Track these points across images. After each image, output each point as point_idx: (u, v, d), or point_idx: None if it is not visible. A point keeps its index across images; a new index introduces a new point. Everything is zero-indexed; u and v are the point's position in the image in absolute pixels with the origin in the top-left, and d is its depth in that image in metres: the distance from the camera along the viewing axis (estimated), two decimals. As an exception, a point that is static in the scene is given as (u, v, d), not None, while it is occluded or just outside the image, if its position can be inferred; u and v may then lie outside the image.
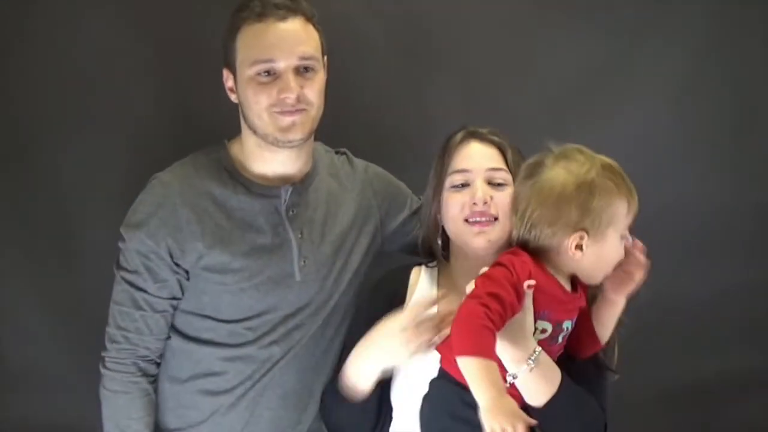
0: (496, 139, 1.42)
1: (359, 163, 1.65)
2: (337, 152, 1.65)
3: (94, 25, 1.78)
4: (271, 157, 1.47)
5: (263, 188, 1.47)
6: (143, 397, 1.46)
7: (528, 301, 1.21)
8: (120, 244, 1.45)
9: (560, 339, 1.28)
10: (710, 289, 2.16)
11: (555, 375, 1.24)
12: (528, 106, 1.99)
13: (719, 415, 2.23)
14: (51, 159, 1.82)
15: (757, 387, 2.25)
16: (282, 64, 1.36)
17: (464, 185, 1.39)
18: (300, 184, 1.49)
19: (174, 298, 1.46)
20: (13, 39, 1.76)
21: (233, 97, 1.46)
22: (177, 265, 1.42)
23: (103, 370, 1.47)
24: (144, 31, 1.81)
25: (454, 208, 1.39)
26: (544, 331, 1.23)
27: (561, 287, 1.25)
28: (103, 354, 1.48)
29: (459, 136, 1.43)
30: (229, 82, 1.46)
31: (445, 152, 1.43)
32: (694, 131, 2.10)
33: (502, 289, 1.15)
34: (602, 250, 1.22)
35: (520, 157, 1.41)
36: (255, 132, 1.43)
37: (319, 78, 1.43)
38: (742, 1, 2.04)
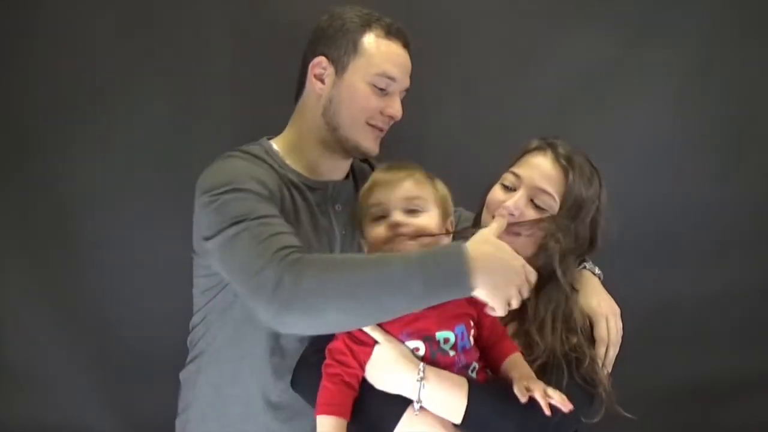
0: (563, 162, 1.39)
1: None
2: (361, 159, 1.66)
3: (97, 26, 1.78)
4: (328, 157, 1.49)
5: (310, 181, 1.49)
6: None
7: (377, 335, 1.24)
8: (212, 202, 1.30)
9: (448, 350, 1.25)
10: (710, 289, 2.16)
11: (456, 382, 1.22)
12: (528, 107, 1.99)
13: (719, 415, 2.23)
14: (52, 159, 1.82)
15: (757, 387, 2.26)
16: (397, 86, 1.46)
17: (511, 188, 1.41)
18: (341, 182, 1.53)
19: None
20: (15, 39, 1.76)
21: (318, 86, 1.45)
22: (274, 200, 1.35)
23: (289, 306, 1.17)
24: (147, 33, 1.81)
25: (495, 201, 1.42)
26: (417, 349, 1.24)
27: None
28: (273, 305, 1.18)
29: (536, 143, 1.44)
30: (319, 70, 1.45)
31: (518, 152, 1.46)
32: (694, 131, 2.10)
33: (335, 342, 1.28)
34: None
35: (590, 183, 1.40)
36: (335, 130, 1.45)
37: None
38: (742, 3, 2.04)
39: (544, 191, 1.36)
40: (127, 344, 1.90)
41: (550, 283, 1.37)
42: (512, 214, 1.35)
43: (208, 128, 1.84)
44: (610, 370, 1.38)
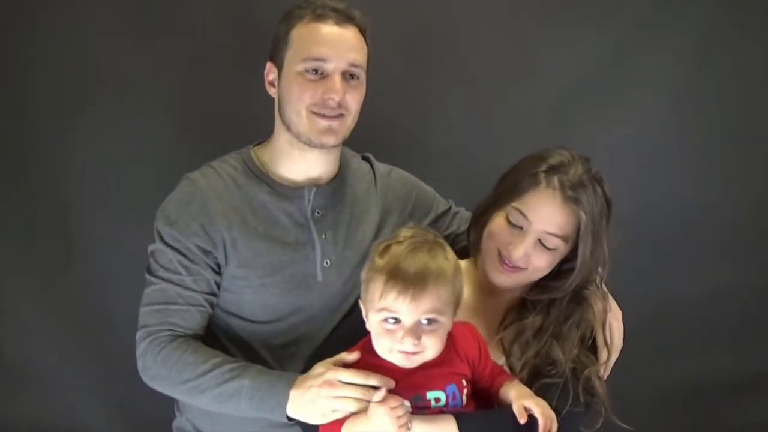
0: (573, 205, 1.32)
1: (382, 167, 1.65)
2: (362, 157, 1.65)
3: (97, 25, 1.78)
4: (300, 157, 1.48)
5: (287, 189, 1.47)
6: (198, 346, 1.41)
7: None
8: (151, 247, 1.45)
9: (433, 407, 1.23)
10: (710, 289, 2.16)
11: (442, 419, 1.21)
12: (528, 108, 1.99)
13: (717, 416, 2.24)
14: (52, 159, 1.82)
15: (756, 387, 2.26)
16: (332, 65, 1.39)
17: (518, 227, 1.36)
18: (326, 186, 1.51)
19: (210, 294, 1.44)
20: (17, 37, 1.76)
21: (272, 92, 1.47)
22: (208, 255, 1.43)
23: (145, 371, 1.43)
24: (148, 32, 1.81)
25: (500, 237, 1.38)
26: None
27: (392, 368, 1.21)
28: (139, 363, 1.43)
29: (544, 178, 1.34)
30: (270, 76, 1.47)
31: (523, 183, 1.36)
32: (693, 132, 2.10)
33: None
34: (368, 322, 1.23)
35: (597, 202, 1.35)
36: (289, 128, 1.43)
37: (362, 88, 1.45)
38: (741, 3, 2.04)
39: (554, 235, 1.34)
40: (127, 344, 1.87)
41: (571, 302, 1.39)
42: (520, 259, 1.35)
43: (208, 128, 1.84)
44: (608, 375, 1.39)
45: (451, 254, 1.24)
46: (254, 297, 1.44)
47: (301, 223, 1.47)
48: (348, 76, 1.41)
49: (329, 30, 1.39)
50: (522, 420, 1.17)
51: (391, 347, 1.19)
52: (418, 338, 1.16)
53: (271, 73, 1.47)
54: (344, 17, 1.40)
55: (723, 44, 2.05)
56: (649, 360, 2.06)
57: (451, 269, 1.20)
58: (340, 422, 1.22)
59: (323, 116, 1.40)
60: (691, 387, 2.20)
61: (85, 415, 1.93)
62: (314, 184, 1.49)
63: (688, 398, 2.20)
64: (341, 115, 1.42)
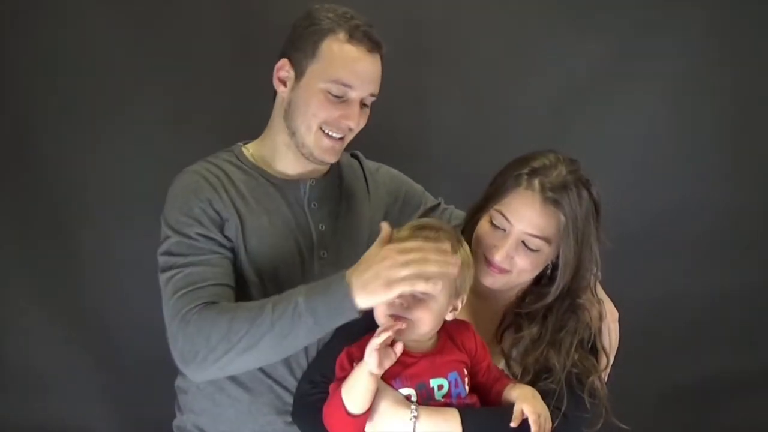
0: (552, 208, 1.32)
1: (371, 164, 1.66)
2: (351, 154, 1.66)
3: (96, 24, 1.78)
4: (295, 159, 1.49)
5: (283, 181, 1.48)
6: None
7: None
8: (163, 248, 1.40)
9: (440, 400, 1.24)
10: (710, 289, 2.16)
11: (447, 412, 1.22)
12: (528, 108, 1.99)
13: (717, 416, 2.24)
14: (52, 160, 1.82)
15: (756, 387, 2.26)
16: (355, 93, 1.40)
17: (501, 229, 1.36)
18: (321, 180, 1.52)
19: (227, 248, 1.41)
20: (16, 37, 1.76)
21: (281, 89, 1.45)
22: (216, 225, 1.40)
23: (189, 322, 1.30)
24: (145, 32, 1.81)
25: (485, 240, 1.39)
26: (409, 397, 1.23)
27: (399, 360, 1.23)
28: (177, 341, 1.31)
29: (525, 179, 1.34)
30: (282, 73, 1.44)
31: (505, 185, 1.37)
32: (693, 132, 2.10)
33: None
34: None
35: (581, 205, 1.33)
36: (294, 134, 1.44)
37: (368, 113, 1.47)
38: (741, 4, 2.05)
39: (535, 236, 1.34)
40: (127, 345, 1.90)
41: (567, 311, 1.39)
42: (502, 260, 1.35)
43: (209, 129, 1.84)
44: (608, 374, 1.39)
45: (463, 248, 1.28)
46: (271, 247, 1.42)
47: (297, 213, 1.48)
48: (362, 103, 1.43)
49: (362, 57, 1.39)
50: (514, 424, 1.19)
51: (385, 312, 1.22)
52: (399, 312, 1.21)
53: (284, 70, 1.44)
54: (375, 45, 1.40)
55: (723, 44, 2.06)
56: (649, 360, 2.06)
57: (456, 245, 1.26)
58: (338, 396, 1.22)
59: (330, 137, 1.42)
60: (691, 387, 2.21)
61: (85, 415, 1.93)
62: (310, 177, 1.50)
63: (688, 398, 2.20)
64: (344, 137, 1.44)
